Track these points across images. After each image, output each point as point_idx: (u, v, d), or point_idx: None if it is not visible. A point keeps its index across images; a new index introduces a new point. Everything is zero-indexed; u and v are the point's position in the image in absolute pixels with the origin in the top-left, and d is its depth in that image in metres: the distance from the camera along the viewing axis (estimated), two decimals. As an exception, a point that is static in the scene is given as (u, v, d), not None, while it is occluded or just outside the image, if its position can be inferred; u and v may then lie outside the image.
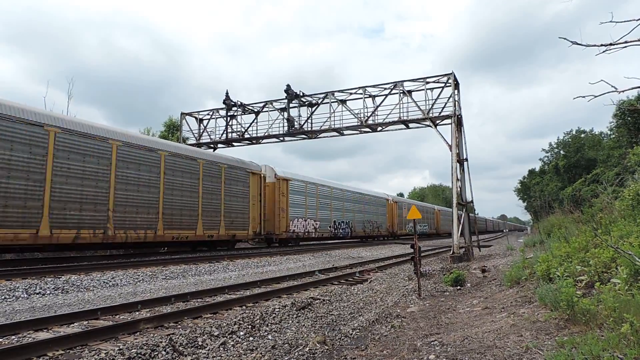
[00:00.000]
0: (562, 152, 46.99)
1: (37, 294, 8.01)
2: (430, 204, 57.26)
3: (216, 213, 17.19)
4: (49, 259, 13.15)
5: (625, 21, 3.29)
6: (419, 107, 18.78)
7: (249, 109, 22.55)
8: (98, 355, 4.29)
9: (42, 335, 5.05)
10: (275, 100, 21.89)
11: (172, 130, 32.46)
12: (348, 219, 29.19)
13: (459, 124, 17.98)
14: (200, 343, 4.87)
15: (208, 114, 23.81)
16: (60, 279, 9.18)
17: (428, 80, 18.85)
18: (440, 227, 50.68)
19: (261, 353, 4.60)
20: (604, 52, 3.56)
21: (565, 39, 3.59)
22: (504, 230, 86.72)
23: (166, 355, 4.40)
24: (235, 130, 22.92)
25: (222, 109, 23.09)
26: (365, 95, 19.92)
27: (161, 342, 4.67)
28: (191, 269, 11.80)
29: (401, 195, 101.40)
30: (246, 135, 22.52)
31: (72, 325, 5.60)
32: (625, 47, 3.39)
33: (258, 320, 5.96)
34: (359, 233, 30.68)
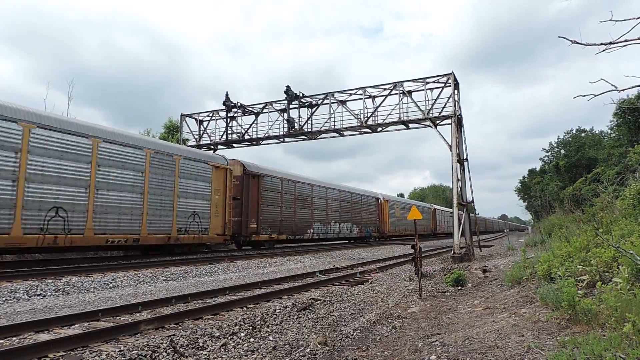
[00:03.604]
0: (562, 151, 46.96)
1: (38, 295, 8.01)
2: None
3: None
4: (49, 260, 13.15)
5: (625, 20, 3.29)
6: (418, 107, 18.78)
7: (249, 110, 22.55)
8: (99, 356, 4.28)
9: (43, 336, 5.04)
10: (275, 102, 21.90)
11: (172, 131, 32.46)
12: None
13: (459, 124, 17.97)
14: (201, 344, 4.87)
15: (208, 115, 23.82)
16: (61, 281, 9.18)
17: (428, 80, 18.85)
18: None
19: (262, 354, 4.60)
20: (603, 51, 3.55)
21: (564, 38, 3.59)
22: (505, 230, 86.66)
23: (167, 357, 4.39)
24: (235, 131, 22.92)
25: (222, 110, 23.10)
26: (365, 96, 19.92)
27: (162, 343, 4.67)
28: (192, 270, 11.79)
29: (401, 195, 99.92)
30: (246, 137, 22.52)
31: (72, 326, 5.59)
32: (625, 45, 3.39)
33: (259, 321, 5.95)
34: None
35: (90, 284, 9.14)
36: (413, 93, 19.19)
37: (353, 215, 29.98)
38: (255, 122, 22.40)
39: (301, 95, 21.02)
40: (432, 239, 43.76)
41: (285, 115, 21.38)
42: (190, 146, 22.65)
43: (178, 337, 4.95)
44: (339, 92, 20.50)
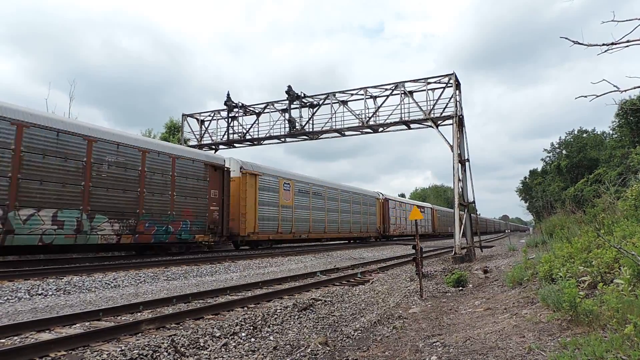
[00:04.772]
0: (564, 152, 46.87)
1: (40, 295, 8.02)
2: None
3: None
4: (51, 260, 13.17)
5: (627, 20, 3.28)
6: (420, 107, 18.78)
7: (250, 110, 22.57)
8: (100, 356, 4.29)
9: (45, 336, 5.05)
10: (277, 102, 21.91)
11: (173, 131, 32.50)
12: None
13: (460, 124, 17.97)
14: (202, 344, 4.87)
15: (209, 115, 23.85)
16: (63, 280, 9.19)
17: (429, 80, 18.85)
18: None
19: (263, 354, 4.60)
20: (605, 51, 3.55)
21: (567, 38, 3.59)
22: (506, 231, 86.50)
23: (168, 357, 4.40)
24: (236, 131, 22.95)
25: (223, 110, 23.13)
26: (367, 96, 19.92)
27: (163, 343, 4.67)
28: (193, 270, 11.80)
29: (402, 196, 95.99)
30: (247, 137, 22.54)
31: (74, 326, 5.60)
32: (627, 46, 3.39)
33: (260, 321, 5.95)
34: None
35: (91, 284, 9.16)
36: (414, 93, 19.20)
37: (187, 199, 15.60)
38: (257, 122, 22.43)
39: (302, 95, 21.03)
40: (381, 244, 28.94)
41: (287, 115, 21.39)
42: (192, 146, 22.67)
43: (179, 337, 4.95)
44: (340, 92, 20.51)
